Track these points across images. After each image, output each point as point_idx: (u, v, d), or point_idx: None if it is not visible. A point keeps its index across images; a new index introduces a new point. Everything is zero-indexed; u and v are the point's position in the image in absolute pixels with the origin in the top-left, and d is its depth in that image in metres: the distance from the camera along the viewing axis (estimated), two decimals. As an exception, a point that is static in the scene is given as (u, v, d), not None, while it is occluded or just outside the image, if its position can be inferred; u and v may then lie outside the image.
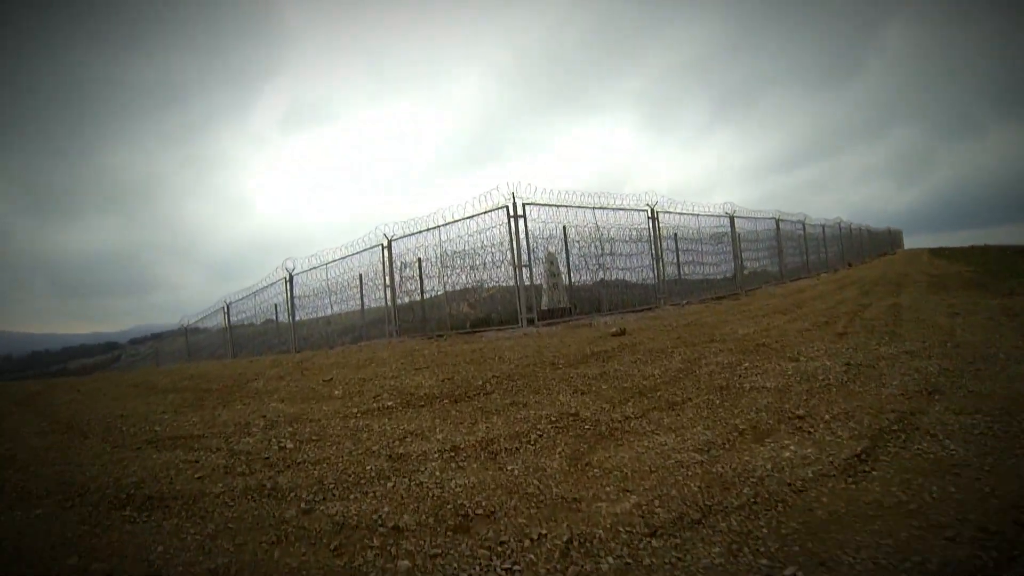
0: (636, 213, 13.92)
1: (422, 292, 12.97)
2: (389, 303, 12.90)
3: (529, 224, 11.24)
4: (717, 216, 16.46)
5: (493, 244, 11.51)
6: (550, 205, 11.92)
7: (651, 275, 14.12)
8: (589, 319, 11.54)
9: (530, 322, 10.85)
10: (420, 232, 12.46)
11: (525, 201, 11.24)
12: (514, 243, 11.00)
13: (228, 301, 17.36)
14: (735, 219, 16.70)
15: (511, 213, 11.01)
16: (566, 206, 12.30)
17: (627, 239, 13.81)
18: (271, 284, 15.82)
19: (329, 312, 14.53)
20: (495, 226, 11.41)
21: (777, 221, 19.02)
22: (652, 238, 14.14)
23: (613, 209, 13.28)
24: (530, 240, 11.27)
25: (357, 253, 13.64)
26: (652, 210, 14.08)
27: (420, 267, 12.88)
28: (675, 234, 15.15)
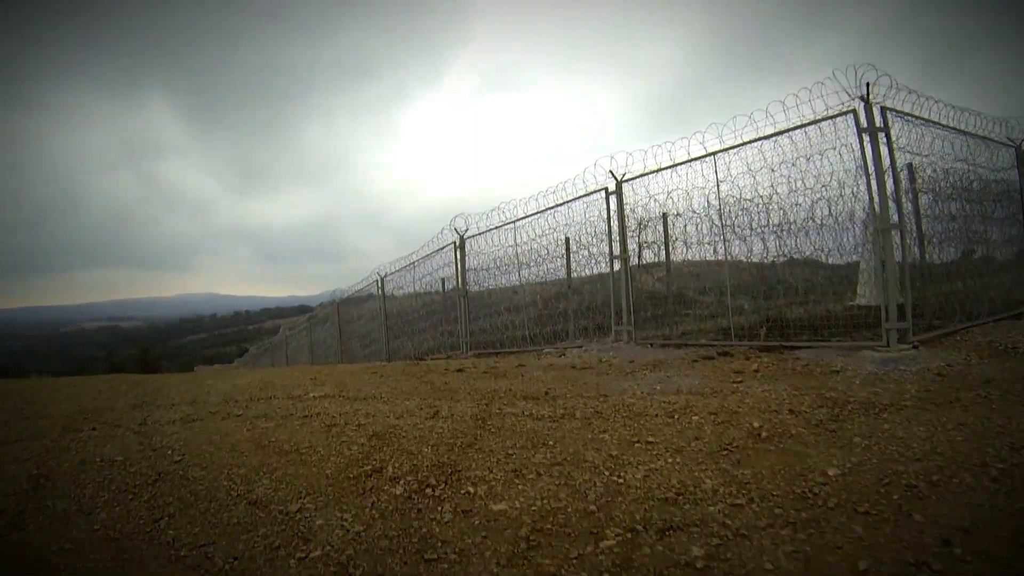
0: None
1: (669, 266, 8.38)
2: (619, 281, 8.47)
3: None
4: None
5: (825, 183, 6.60)
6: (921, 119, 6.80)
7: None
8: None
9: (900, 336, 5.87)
10: (670, 167, 7.87)
11: (886, 105, 6.25)
12: (872, 180, 6.04)
13: (382, 273, 13.88)
14: None
15: (863, 125, 6.07)
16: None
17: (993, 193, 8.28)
18: (434, 252, 12.02)
19: (513, 286, 10.45)
20: (829, 149, 6.50)
21: None
22: None
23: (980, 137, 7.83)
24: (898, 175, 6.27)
25: (563, 204, 9.35)
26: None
27: (665, 225, 8.29)
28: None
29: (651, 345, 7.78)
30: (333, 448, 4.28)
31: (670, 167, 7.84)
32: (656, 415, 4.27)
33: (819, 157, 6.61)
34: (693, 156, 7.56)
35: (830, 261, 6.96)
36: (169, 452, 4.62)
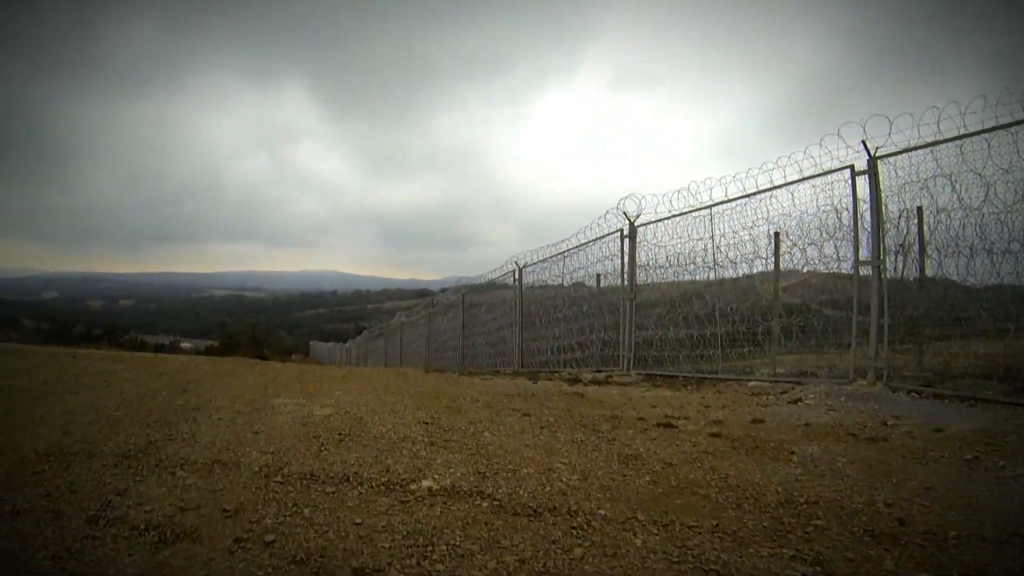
0: None
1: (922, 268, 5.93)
2: (871, 289, 6.13)
3: None
4: None
5: None
6: None
7: None
8: None
9: None
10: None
11: None
12: None
13: (521, 262, 12.02)
14: None
15: None
16: None
17: None
18: (591, 242, 10.03)
19: (697, 290, 8.26)
20: None
21: None
22: None
23: None
24: None
25: (782, 187, 7.09)
26: None
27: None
28: None
29: (920, 395, 5.37)
30: None
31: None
32: None
33: None
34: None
35: None
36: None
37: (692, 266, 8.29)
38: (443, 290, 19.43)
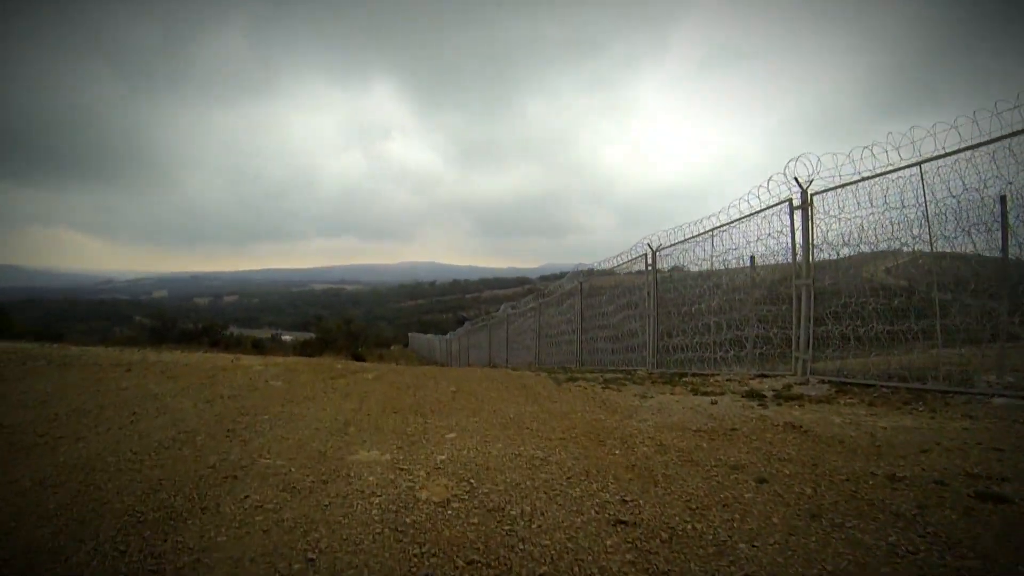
0: None
1: None
2: None
3: None
4: None
5: None
6: None
7: None
8: None
9: None
10: None
11: None
12: None
13: (655, 244, 10.53)
14: None
15: None
16: None
17: None
18: (745, 217, 8.49)
19: (905, 271, 6.57)
20: None
21: None
22: None
23: None
24: None
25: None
26: None
27: None
28: None
29: None
30: None
31: None
32: None
33: None
34: None
35: None
36: None
37: (895, 242, 6.60)
38: (557, 277, 18.21)
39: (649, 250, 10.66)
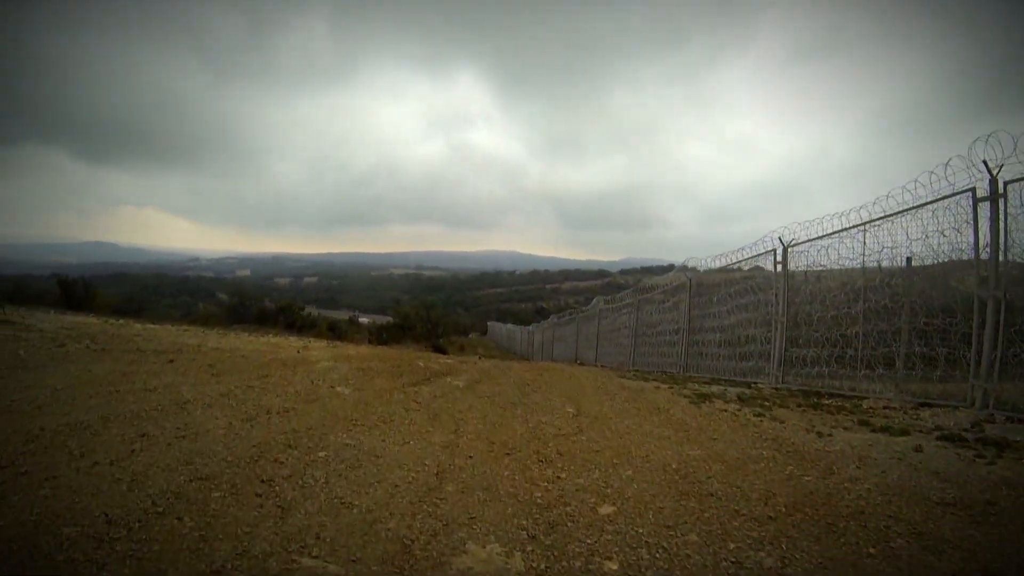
0: None
1: None
2: None
3: None
4: None
5: None
6: None
7: None
8: None
9: None
10: None
11: None
12: None
13: (787, 239, 9.28)
14: None
15: None
16: None
17: None
18: (917, 206, 7.20)
19: None
20: None
21: None
22: None
23: None
24: None
25: None
26: None
27: None
28: None
29: None
30: None
31: None
32: None
33: None
34: None
35: None
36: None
37: None
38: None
39: (781, 244, 9.38)
